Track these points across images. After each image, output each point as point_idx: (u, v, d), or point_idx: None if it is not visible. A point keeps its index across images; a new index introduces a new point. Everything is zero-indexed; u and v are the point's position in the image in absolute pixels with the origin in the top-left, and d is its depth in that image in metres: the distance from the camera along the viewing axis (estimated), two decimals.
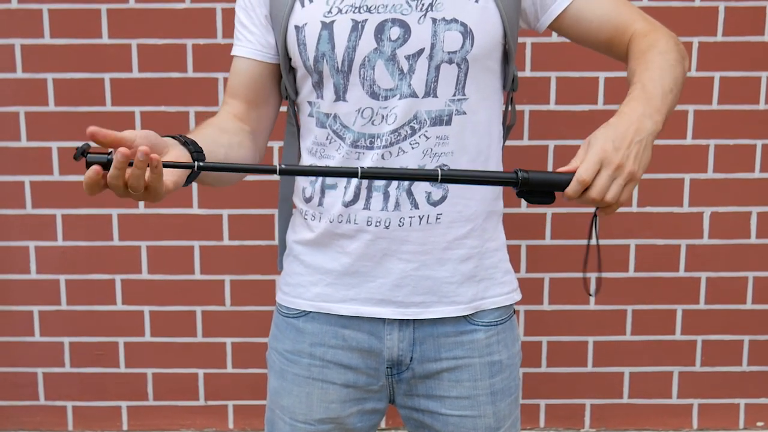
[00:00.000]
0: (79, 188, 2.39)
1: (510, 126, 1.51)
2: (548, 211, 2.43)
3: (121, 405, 2.57)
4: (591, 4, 1.38)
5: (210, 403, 2.56)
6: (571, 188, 1.13)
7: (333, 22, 1.32)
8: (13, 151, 2.41)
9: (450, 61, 1.31)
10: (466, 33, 1.31)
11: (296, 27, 1.35)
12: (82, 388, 2.55)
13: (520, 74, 2.35)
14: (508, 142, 1.69)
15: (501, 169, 1.44)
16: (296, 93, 1.43)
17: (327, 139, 1.37)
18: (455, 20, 1.30)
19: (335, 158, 1.36)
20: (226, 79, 1.65)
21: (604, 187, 1.13)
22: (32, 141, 2.41)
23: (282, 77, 1.44)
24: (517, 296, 1.48)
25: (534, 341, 2.51)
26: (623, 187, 1.14)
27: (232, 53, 1.45)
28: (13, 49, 2.36)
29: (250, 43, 1.42)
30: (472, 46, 1.31)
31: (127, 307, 2.50)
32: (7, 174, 2.42)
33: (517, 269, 2.40)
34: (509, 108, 1.50)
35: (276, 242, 2.42)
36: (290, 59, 1.39)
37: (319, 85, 1.36)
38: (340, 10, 1.32)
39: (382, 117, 1.32)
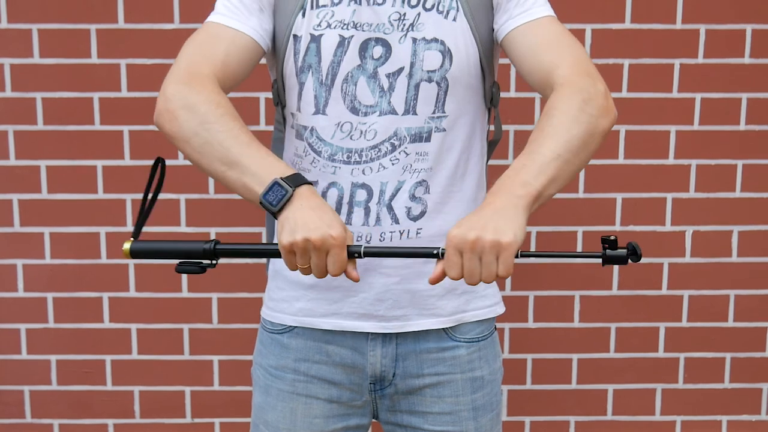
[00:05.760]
0: (67, 206, 2.41)
1: (494, 141, 1.51)
2: (533, 229, 2.44)
3: (107, 423, 2.56)
4: (526, 35, 1.32)
5: (197, 420, 2.56)
6: (433, 274, 1.16)
7: (321, 35, 1.34)
8: (1, 169, 2.42)
9: (429, 80, 1.32)
10: (446, 52, 1.32)
11: (294, 36, 1.36)
12: (69, 406, 2.55)
13: (505, 94, 2.37)
14: (494, 161, 1.70)
15: (483, 183, 1.46)
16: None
17: (304, 151, 1.38)
18: (436, 39, 1.32)
19: (311, 172, 1.37)
20: None
21: (458, 266, 1.13)
22: (21, 159, 2.41)
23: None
24: (500, 309, 1.48)
25: (519, 358, 2.53)
26: (489, 260, 1.11)
27: (226, 24, 1.34)
28: (2, 68, 2.37)
29: (251, 23, 1.34)
30: (450, 65, 1.32)
31: (114, 325, 2.50)
32: None
33: (501, 286, 2.42)
34: (493, 123, 1.50)
35: (262, 260, 2.43)
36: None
37: (299, 97, 1.37)
38: (329, 25, 1.34)
39: (361, 132, 1.33)
